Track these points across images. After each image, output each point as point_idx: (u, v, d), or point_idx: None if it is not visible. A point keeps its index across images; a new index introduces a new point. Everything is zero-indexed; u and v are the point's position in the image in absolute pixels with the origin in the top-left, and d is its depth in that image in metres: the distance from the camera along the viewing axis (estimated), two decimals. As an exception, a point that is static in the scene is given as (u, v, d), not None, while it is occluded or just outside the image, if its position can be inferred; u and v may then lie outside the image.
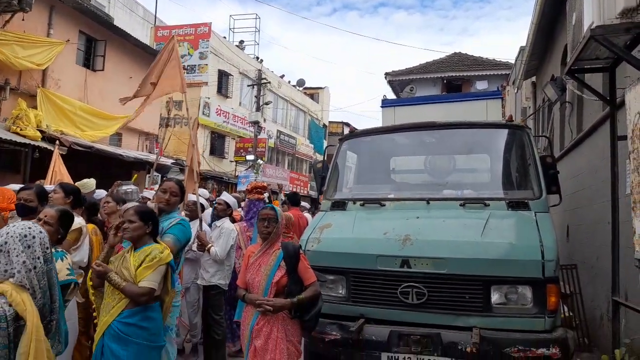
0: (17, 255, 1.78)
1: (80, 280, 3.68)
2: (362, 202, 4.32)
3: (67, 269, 2.70)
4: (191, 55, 22.04)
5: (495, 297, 3.37)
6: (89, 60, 13.02)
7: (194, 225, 5.01)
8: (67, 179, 6.81)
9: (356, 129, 5.05)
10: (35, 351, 1.71)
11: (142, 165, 12.54)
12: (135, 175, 6.12)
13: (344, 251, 3.72)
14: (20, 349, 1.67)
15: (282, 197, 12.11)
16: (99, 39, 13.06)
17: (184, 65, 21.51)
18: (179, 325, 5.08)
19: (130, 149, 13.81)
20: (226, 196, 5.28)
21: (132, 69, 13.92)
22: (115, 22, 14.48)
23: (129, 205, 3.91)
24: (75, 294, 2.85)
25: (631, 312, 3.72)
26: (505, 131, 4.50)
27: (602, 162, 4.46)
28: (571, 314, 5.88)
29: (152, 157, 10.95)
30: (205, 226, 4.92)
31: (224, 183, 22.86)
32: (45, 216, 2.72)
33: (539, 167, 4.07)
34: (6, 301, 1.69)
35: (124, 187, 5.66)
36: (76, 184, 5.87)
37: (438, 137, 4.65)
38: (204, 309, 4.80)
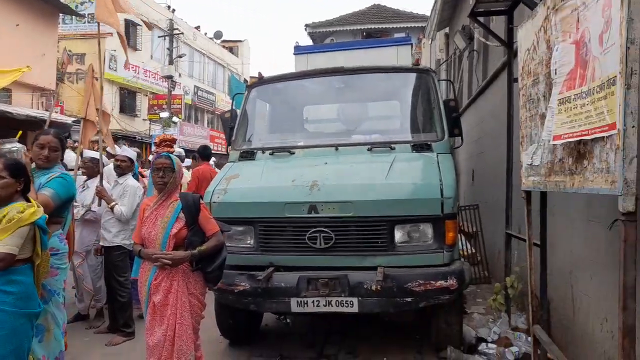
0: None
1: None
2: (271, 151, 4.21)
3: None
4: (92, 2, 20.03)
5: (398, 236, 3.47)
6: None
7: (93, 183, 4.65)
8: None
9: (264, 76, 4.81)
10: None
11: (38, 125, 11.39)
12: (20, 132, 5.46)
13: (251, 200, 3.63)
14: None
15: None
16: (-26, -20, 11.39)
17: (84, 14, 19.58)
18: (83, 290, 4.79)
19: (23, 106, 12.47)
20: (127, 151, 4.91)
21: (18, 16, 12.39)
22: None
23: None
24: None
25: (522, 243, 4.01)
26: (412, 75, 4.54)
27: (503, 106, 4.67)
28: (474, 251, 6.34)
29: (47, 115, 9.97)
30: (104, 183, 4.57)
31: (136, 143, 21.61)
32: None
33: (442, 111, 4.17)
34: None
35: (8, 146, 5.06)
36: None
37: (347, 82, 4.59)
38: (107, 271, 4.51)
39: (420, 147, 3.97)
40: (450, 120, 4.20)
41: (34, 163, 3.12)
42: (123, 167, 4.62)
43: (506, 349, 3.79)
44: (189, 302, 2.81)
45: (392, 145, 3.99)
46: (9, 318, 2.37)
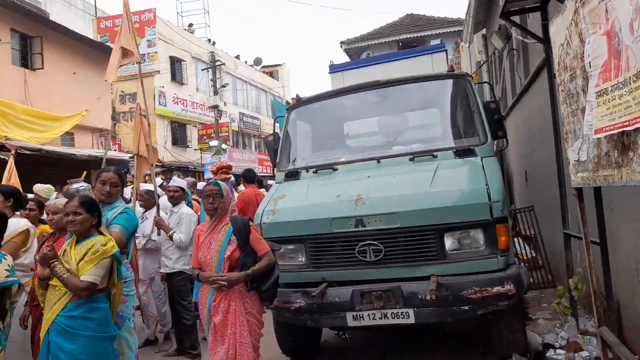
0: None
1: (30, 282, 3.58)
2: (314, 169, 4.31)
3: (6, 270, 2.60)
4: (139, 44, 21.28)
5: (449, 244, 3.43)
6: (26, 60, 12.42)
7: (151, 214, 4.94)
8: (19, 186, 6.59)
9: (301, 98, 4.96)
10: None
11: (99, 163, 12.17)
12: (84, 172, 5.92)
13: (299, 219, 3.72)
14: None
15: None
16: (34, 35, 12.44)
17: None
18: (149, 316, 5.05)
19: (84, 147, 13.37)
20: (178, 181, 5.20)
21: (75, 64, 13.38)
22: (53, 17, 13.83)
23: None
24: (19, 295, 2.74)
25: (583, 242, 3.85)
26: (448, 82, 4.53)
27: (547, 102, 4.55)
28: (534, 254, 6.10)
29: (108, 154, 10.64)
30: (161, 213, 4.84)
31: (189, 172, 22.49)
32: None
33: (482, 114, 4.12)
34: None
35: (75, 185, 5.48)
36: (35, 187, 5.69)
37: (383, 95, 4.65)
38: (170, 296, 4.75)
39: (463, 153, 3.94)
40: (492, 122, 4.14)
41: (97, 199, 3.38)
42: (176, 197, 4.90)
43: (576, 354, 3.63)
44: (247, 321, 2.92)
45: (434, 153, 3.97)
46: (94, 342, 2.59)
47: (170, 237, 4.60)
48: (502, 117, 4.33)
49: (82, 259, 2.62)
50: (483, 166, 3.70)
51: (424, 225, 3.41)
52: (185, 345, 4.62)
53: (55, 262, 2.62)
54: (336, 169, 4.23)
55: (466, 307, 3.32)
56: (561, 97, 2.85)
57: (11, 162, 7.02)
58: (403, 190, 3.59)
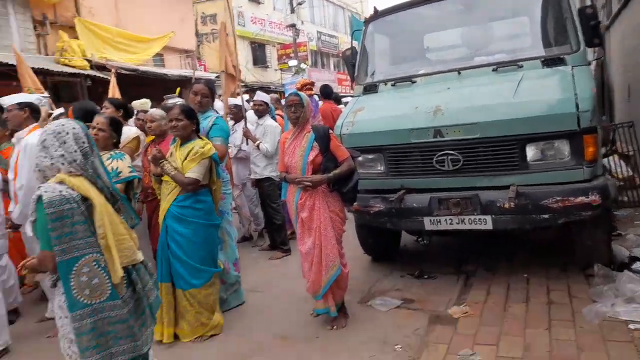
0: (55, 150, 1.99)
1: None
2: (392, 82, 4.32)
3: (128, 166, 3.04)
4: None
5: (531, 154, 3.41)
6: (117, -19, 12.95)
7: (239, 126, 5.34)
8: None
9: (379, 10, 4.85)
10: (111, 223, 2.01)
11: (188, 83, 12.85)
12: (178, 88, 6.41)
13: (378, 130, 3.83)
14: (97, 222, 1.98)
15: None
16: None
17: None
18: (243, 217, 5.66)
19: (173, 68, 14.08)
20: (262, 95, 5.49)
21: (161, -14, 13.74)
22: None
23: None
24: (139, 187, 3.22)
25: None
26: (539, -15, 4.17)
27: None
28: (632, 173, 5.77)
29: (195, 74, 11.19)
30: (248, 125, 5.20)
31: (271, 92, 22.89)
32: (97, 124, 3.03)
33: (575, 20, 3.82)
34: (67, 187, 1.95)
35: (171, 101, 5.98)
36: (133, 103, 6.28)
37: (467, 3, 4.41)
38: (262, 200, 5.27)
39: (551, 62, 3.72)
40: (587, 29, 3.83)
41: None
42: (261, 111, 5.27)
43: (663, 268, 3.55)
44: (330, 217, 3.21)
45: (520, 63, 3.80)
46: (202, 228, 3.07)
47: (257, 147, 4.99)
48: (599, 22, 3.97)
49: (186, 158, 2.99)
50: (573, 75, 3.51)
51: (505, 136, 3.39)
52: (277, 241, 5.22)
53: (164, 162, 3.03)
54: (415, 82, 4.21)
55: (546, 216, 3.34)
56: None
57: (113, 80, 7.72)
58: (484, 101, 3.54)
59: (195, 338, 3.23)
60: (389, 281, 4.10)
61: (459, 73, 4.01)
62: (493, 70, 3.89)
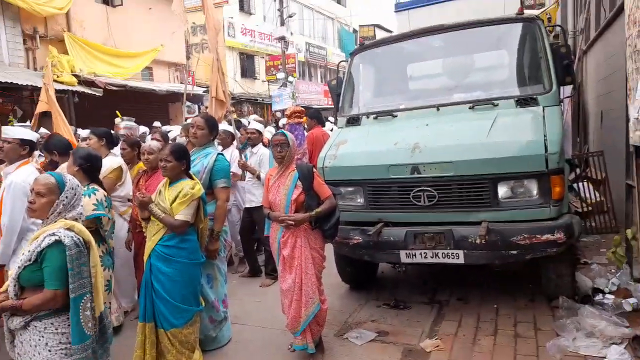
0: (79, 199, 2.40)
1: (129, 212, 4.22)
2: (375, 115, 4.48)
3: (94, 204, 3.01)
4: (208, -25, 21.28)
5: (502, 192, 3.59)
6: (106, -3, 13.06)
7: (227, 153, 5.41)
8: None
9: (365, 42, 5.02)
10: (96, 263, 2.35)
11: (177, 97, 12.93)
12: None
13: (358, 164, 3.99)
14: (92, 262, 2.31)
15: None
16: (114, -28, 12.96)
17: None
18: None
19: (162, 82, 14.14)
20: (256, 124, 5.62)
21: (150, 1, 13.83)
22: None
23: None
24: (109, 225, 3.18)
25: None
26: (516, 25, 4.38)
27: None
28: (602, 199, 6.01)
29: (184, 88, 11.23)
30: (236, 153, 5.31)
31: (258, 104, 23.04)
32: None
33: (549, 59, 4.02)
34: (75, 233, 2.26)
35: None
36: (117, 121, 6.31)
37: (448, 40, 4.60)
38: (256, 228, 5.30)
39: (524, 102, 3.92)
40: (561, 68, 4.03)
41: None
42: (253, 139, 5.35)
43: (623, 300, 3.73)
44: (312, 255, 3.34)
45: (495, 102, 3.98)
46: (186, 267, 3.15)
47: (258, 177, 5.09)
48: (572, 62, 4.18)
49: (175, 200, 3.10)
50: (544, 116, 3.70)
51: (478, 175, 3.56)
52: (268, 268, 5.27)
53: (152, 206, 3.12)
54: (396, 116, 4.38)
55: (515, 252, 3.52)
56: (628, 52, 2.80)
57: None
58: (459, 140, 3.71)
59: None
60: (365, 311, 4.24)
61: (438, 109, 4.18)
62: (470, 107, 4.06)
